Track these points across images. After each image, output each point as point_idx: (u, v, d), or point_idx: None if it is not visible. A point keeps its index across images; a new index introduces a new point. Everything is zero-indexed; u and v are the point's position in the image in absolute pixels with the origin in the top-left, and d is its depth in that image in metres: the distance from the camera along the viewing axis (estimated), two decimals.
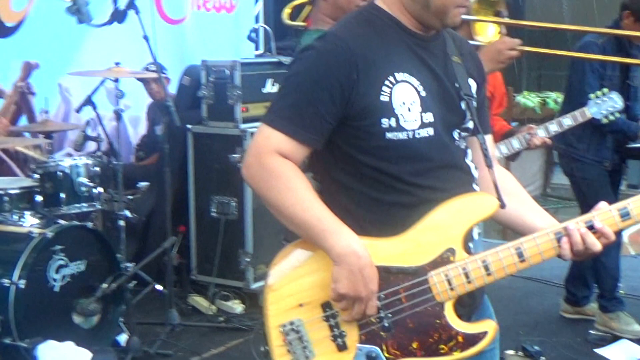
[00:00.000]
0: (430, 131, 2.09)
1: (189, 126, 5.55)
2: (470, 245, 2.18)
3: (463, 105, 2.21)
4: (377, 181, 2.11)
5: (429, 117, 2.09)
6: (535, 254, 2.10)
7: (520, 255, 2.09)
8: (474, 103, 2.25)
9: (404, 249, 2.09)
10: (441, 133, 2.13)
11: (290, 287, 2.14)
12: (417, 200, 2.11)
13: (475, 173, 2.25)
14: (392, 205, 2.12)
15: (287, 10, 5.35)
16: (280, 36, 6.40)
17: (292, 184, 2.07)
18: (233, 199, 5.45)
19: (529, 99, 9.80)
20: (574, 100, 4.65)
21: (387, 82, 2.07)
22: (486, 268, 2.09)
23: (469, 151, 2.26)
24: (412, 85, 2.10)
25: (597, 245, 2.08)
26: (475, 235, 2.23)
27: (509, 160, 4.02)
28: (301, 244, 2.15)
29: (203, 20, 6.95)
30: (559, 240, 2.10)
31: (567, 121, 4.08)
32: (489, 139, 2.34)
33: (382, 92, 2.06)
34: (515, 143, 3.89)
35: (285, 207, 2.08)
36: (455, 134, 2.19)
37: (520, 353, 4.61)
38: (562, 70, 3.15)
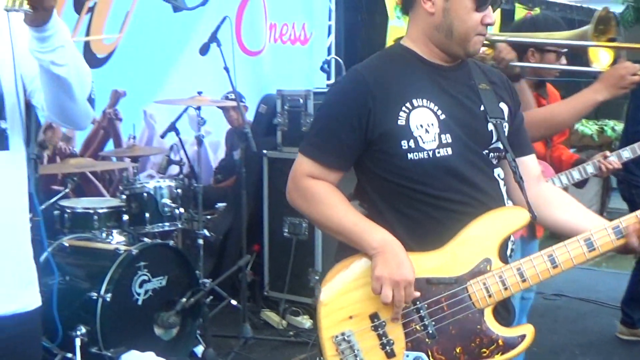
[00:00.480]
0: (449, 150, 2.20)
1: (264, 151, 5.63)
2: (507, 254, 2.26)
3: (490, 127, 2.29)
4: (408, 198, 2.22)
5: (447, 138, 2.20)
6: (566, 259, 2.19)
7: (552, 261, 2.19)
8: (505, 125, 2.34)
9: (444, 261, 2.19)
10: (463, 152, 2.22)
11: (340, 301, 2.23)
12: (448, 214, 2.21)
13: (502, 189, 2.32)
14: (425, 220, 2.22)
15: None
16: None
17: (326, 199, 2.23)
18: (304, 220, 5.45)
19: (587, 127, 9.64)
20: (632, 129, 4.59)
21: (404, 108, 2.19)
22: (521, 275, 2.18)
23: (500, 169, 2.34)
24: (431, 110, 2.22)
25: None
26: (509, 251, 2.30)
27: (578, 187, 3.97)
28: (347, 262, 2.25)
29: (279, 52, 7.02)
30: (588, 245, 2.19)
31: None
32: (531, 158, 2.45)
33: (399, 117, 2.19)
34: (590, 169, 3.84)
35: (326, 219, 2.25)
36: (485, 153, 2.28)
37: None
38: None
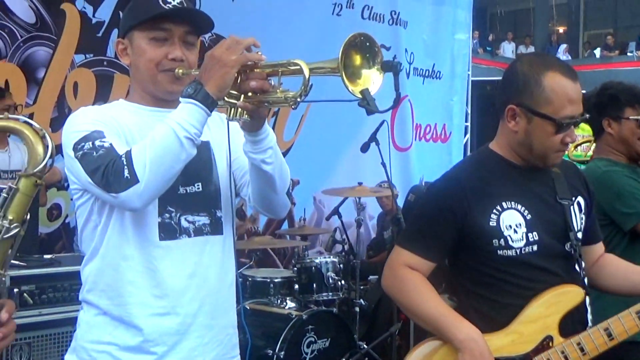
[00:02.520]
0: (534, 247, 2.13)
1: None
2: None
3: (568, 221, 2.21)
4: (496, 287, 2.14)
5: (534, 236, 2.14)
6: (621, 332, 2.11)
7: (609, 334, 2.11)
8: (582, 218, 2.27)
9: (511, 340, 2.11)
10: (547, 247, 2.15)
11: None
12: (526, 300, 2.13)
13: (582, 272, 2.23)
14: (509, 306, 2.13)
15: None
16: None
17: (419, 289, 2.14)
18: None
19: None
20: None
21: (494, 211, 2.13)
22: (581, 349, 2.10)
23: (579, 254, 2.24)
24: (519, 211, 2.15)
25: None
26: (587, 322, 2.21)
27: None
28: (424, 344, 2.17)
29: (423, 149, 7.07)
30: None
31: None
32: (599, 245, 2.40)
33: (490, 219, 2.13)
34: None
35: (416, 306, 2.16)
36: (567, 246, 2.19)
37: None
38: None
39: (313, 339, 4.42)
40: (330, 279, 4.86)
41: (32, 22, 4.74)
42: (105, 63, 5.06)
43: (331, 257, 5.00)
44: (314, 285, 4.84)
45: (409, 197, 6.13)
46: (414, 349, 2.19)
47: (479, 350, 2.04)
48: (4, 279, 1.33)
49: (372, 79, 1.79)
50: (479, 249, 2.14)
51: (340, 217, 5.58)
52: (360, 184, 5.31)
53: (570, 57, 22.32)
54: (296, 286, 4.80)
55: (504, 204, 2.15)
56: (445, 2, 7.20)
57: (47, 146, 1.30)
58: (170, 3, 2.04)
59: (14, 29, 4.66)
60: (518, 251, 2.12)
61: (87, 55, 5.01)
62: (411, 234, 2.25)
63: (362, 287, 5.56)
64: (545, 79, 2.10)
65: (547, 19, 23.92)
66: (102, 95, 4.95)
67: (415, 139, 7.00)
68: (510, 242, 2.11)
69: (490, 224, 2.12)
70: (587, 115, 2.20)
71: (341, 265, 4.98)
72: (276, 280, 4.82)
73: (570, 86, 2.11)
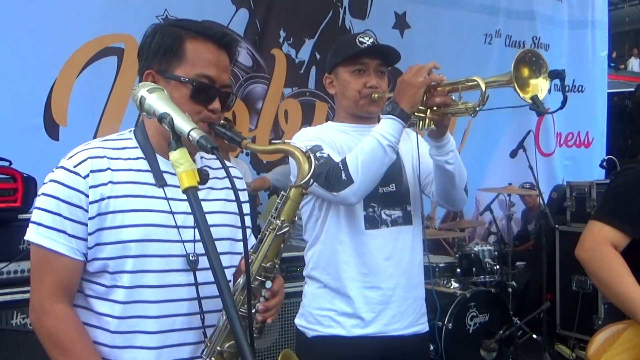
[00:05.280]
0: None
1: (557, 226, 5.24)
2: None
3: None
4: None
5: None
6: None
7: None
8: None
9: None
10: None
11: (609, 358, 1.90)
12: None
13: None
14: None
15: None
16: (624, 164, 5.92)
17: (617, 269, 1.89)
18: (589, 279, 4.95)
19: None
20: None
21: None
22: None
23: None
24: None
25: None
26: None
27: None
28: (614, 327, 1.91)
29: (566, 153, 6.71)
30: None
31: None
32: None
33: None
34: None
35: (610, 284, 1.91)
36: None
37: None
38: None
39: (475, 314, 4.31)
40: (487, 264, 4.73)
41: (250, 65, 4.96)
42: (307, 94, 5.21)
43: (487, 245, 4.87)
44: (474, 269, 4.72)
45: (552, 195, 5.85)
46: (601, 330, 1.96)
47: None
48: (277, 266, 1.37)
49: (540, 86, 1.74)
50: None
51: (492, 212, 5.42)
52: (510, 184, 5.14)
53: None
54: (458, 270, 4.69)
55: None
56: (581, 25, 6.81)
57: (312, 164, 1.32)
58: (365, 43, 2.08)
59: (236, 71, 4.89)
60: None
61: (293, 88, 5.17)
62: (613, 211, 1.98)
63: (512, 272, 5.37)
64: None
65: None
66: (307, 119, 5.09)
67: (557, 145, 6.65)
68: None
69: None
70: None
71: (496, 253, 4.82)
72: (441, 264, 4.75)
73: None
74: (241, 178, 1.58)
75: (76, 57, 4.00)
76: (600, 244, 1.94)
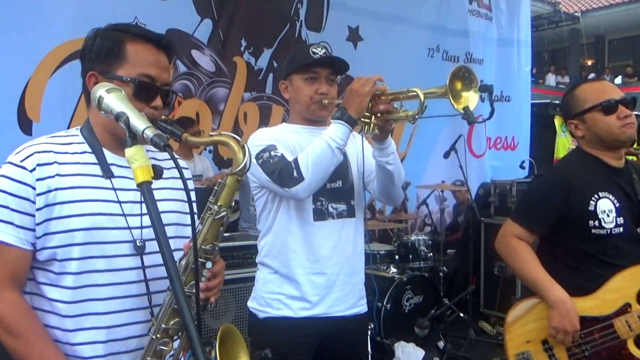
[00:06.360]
0: (621, 229, 1.99)
1: (482, 218, 5.37)
2: None
3: None
4: (586, 259, 2.00)
5: (621, 220, 1.99)
6: None
7: None
8: None
9: (595, 304, 1.97)
10: (630, 229, 2.00)
11: (520, 329, 2.05)
12: (611, 271, 1.98)
13: None
14: (593, 275, 2.00)
15: None
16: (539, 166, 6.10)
17: (524, 256, 2.04)
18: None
19: None
20: None
21: (593, 198, 2.00)
22: None
23: None
24: (611, 200, 2.01)
25: None
26: None
27: None
28: (525, 300, 2.06)
29: (494, 155, 6.83)
30: None
31: None
32: None
33: (589, 204, 1.99)
34: None
35: (520, 269, 2.06)
36: None
37: None
38: None
39: (410, 296, 4.39)
40: (422, 251, 4.79)
41: (213, 71, 4.88)
42: (265, 98, 5.15)
43: (422, 235, 4.93)
44: (410, 256, 4.78)
45: (479, 191, 5.98)
46: (515, 305, 2.10)
47: (566, 309, 1.94)
48: (217, 248, 1.35)
49: (471, 99, 1.77)
50: (577, 227, 2.01)
51: (427, 206, 5.50)
52: (443, 181, 5.22)
53: None
54: (397, 257, 4.75)
55: (600, 193, 2.02)
56: (509, 43, 6.99)
57: (246, 154, 1.30)
58: (317, 54, 2.07)
59: (200, 76, 4.81)
60: (608, 231, 1.99)
61: (252, 93, 5.11)
62: (522, 210, 2.14)
63: (443, 258, 5.46)
64: (576, 91, 2.10)
65: (578, 55, 22.71)
66: (264, 121, 5.05)
67: (487, 148, 6.79)
68: (603, 224, 1.99)
69: (589, 208, 2.00)
70: (634, 98, 2.09)
71: (429, 242, 4.89)
72: (382, 252, 4.79)
73: (596, 84, 2.06)
74: (187, 168, 1.54)
75: (50, 58, 3.88)
76: (508, 237, 2.09)
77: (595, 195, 2.01)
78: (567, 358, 1.98)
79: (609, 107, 2.00)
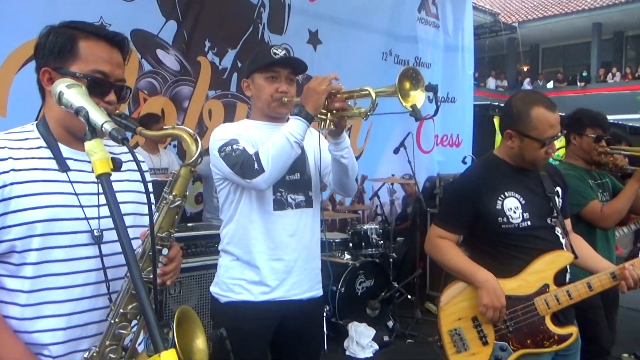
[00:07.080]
0: (528, 223, 2.05)
1: (429, 209, 5.44)
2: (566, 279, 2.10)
3: (551, 203, 2.12)
4: (503, 248, 2.06)
5: (527, 215, 2.06)
6: (598, 285, 2.06)
7: (589, 287, 2.06)
8: (559, 201, 2.18)
9: (518, 284, 2.05)
10: (536, 222, 2.06)
11: (452, 308, 2.11)
12: (526, 256, 2.06)
13: (562, 240, 2.13)
14: (512, 259, 2.06)
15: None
16: None
17: (448, 251, 2.11)
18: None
19: None
20: None
21: (500, 197, 2.06)
22: (569, 295, 2.04)
23: (558, 228, 2.14)
24: (516, 198, 2.07)
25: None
26: (566, 279, 2.11)
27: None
28: (456, 283, 2.13)
29: (441, 152, 6.94)
30: (613, 277, 2.07)
31: None
32: (568, 221, 2.26)
33: (497, 203, 2.05)
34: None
35: (447, 262, 2.12)
36: (548, 220, 2.11)
37: (632, 356, 4.03)
38: None
39: (363, 280, 4.44)
40: (373, 239, 4.84)
41: (177, 70, 4.78)
42: (229, 96, 5.09)
43: (374, 224, 4.99)
44: (363, 244, 4.83)
45: (426, 184, 6.07)
46: (447, 287, 2.15)
47: (492, 287, 2.00)
48: (173, 235, 1.32)
49: (418, 97, 1.79)
50: (490, 224, 2.07)
51: (379, 197, 5.55)
52: (392, 175, 5.27)
53: (532, 87, 21.78)
54: (350, 244, 4.79)
55: (506, 193, 2.08)
56: (454, 49, 7.10)
57: (198, 146, 1.28)
58: (278, 54, 2.06)
59: (165, 74, 4.71)
60: (516, 225, 2.05)
61: (217, 91, 5.04)
62: (442, 216, 2.21)
63: (393, 246, 5.54)
64: (532, 112, 2.05)
65: (515, 61, 23.37)
66: (229, 117, 4.99)
67: (435, 145, 6.89)
68: (510, 220, 2.05)
69: (497, 207, 2.06)
70: (561, 135, 2.14)
71: (381, 231, 4.95)
72: (337, 240, 4.82)
73: (550, 115, 2.06)
74: (143, 161, 1.50)
75: (15, 55, 3.73)
76: (433, 238, 2.17)
77: (502, 195, 2.07)
78: (493, 333, 2.05)
79: (545, 144, 2.07)
